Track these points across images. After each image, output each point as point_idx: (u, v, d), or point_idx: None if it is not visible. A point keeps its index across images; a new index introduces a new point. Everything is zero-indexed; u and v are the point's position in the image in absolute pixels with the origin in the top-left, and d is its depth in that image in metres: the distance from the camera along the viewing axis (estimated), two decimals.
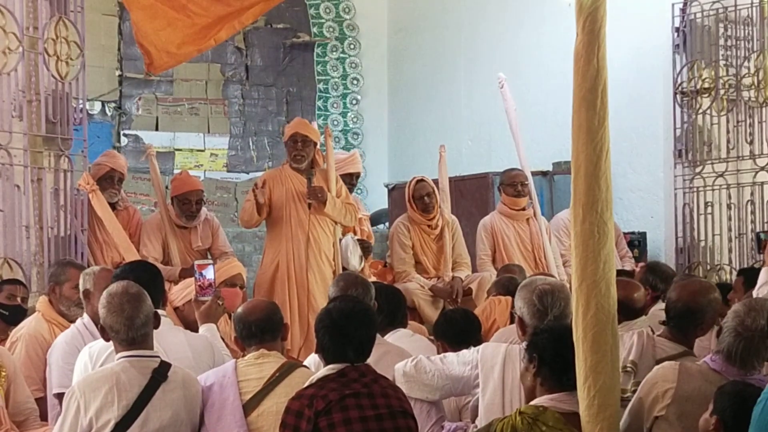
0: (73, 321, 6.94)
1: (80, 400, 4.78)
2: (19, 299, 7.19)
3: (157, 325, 5.10)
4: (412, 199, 9.80)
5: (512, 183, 10.01)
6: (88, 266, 8.10)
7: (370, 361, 4.82)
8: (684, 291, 5.54)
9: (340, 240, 9.16)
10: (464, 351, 5.22)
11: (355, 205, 9.43)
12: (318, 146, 9.21)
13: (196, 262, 6.47)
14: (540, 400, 4.32)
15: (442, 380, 5.17)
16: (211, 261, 6.86)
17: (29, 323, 6.91)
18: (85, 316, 6.30)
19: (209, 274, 6.32)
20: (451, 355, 5.24)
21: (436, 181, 9.91)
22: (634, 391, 4.90)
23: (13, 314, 7.13)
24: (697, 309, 5.43)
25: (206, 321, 6.21)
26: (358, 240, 9.36)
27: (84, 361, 5.47)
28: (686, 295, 5.48)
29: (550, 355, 4.36)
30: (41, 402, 6.47)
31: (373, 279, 9.02)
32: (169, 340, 5.53)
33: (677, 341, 5.41)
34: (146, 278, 5.57)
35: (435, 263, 9.79)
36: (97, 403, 4.75)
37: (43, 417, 6.30)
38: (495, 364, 4.99)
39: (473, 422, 5.10)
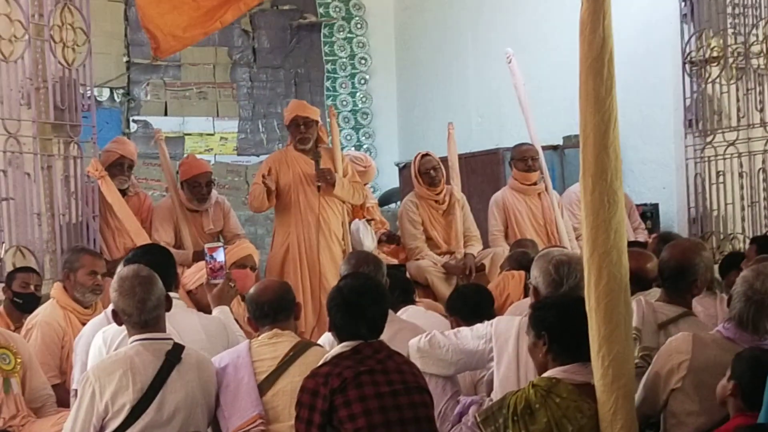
0: (87, 307, 7.00)
1: (95, 385, 4.79)
2: (32, 287, 7.23)
3: (168, 308, 5.11)
4: (418, 173, 9.81)
5: (522, 158, 10.00)
6: (101, 252, 8.14)
7: (384, 338, 4.81)
8: (675, 249, 5.52)
9: (350, 224, 9.20)
10: (478, 325, 5.20)
11: (361, 183, 9.43)
12: (320, 123, 9.21)
13: (207, 246, 6.45)
14: (553, 372, 4.32)
15: (456, 355, 5.16)
16: (221, 243, 6.85)
17: (44, 310, 6.94)
18: None
19: (220, 256, 6.31)
20: (464, 330, 5.23)
21: (445, 159, 9.90)
22: (642, 357, 4.90)
23: (27, 302, 7.17)
24: (689, 266, 5.39)
25: (219, 303, 6.20)
26: (378, 230, 9.43)
27: (98, 346, 5.46)
28: (678, 254, 5.46)
29: (558, 331, 4.36)
30: (58, 388, 6.50)
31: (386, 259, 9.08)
32: (183, 322, 5.53)
33: (674, 303, 5.36)
34: (158, 261, 5.55)
35: (445, 237, 9.80)
36: (111, 387, 4.76)
37: (60, 403, 6.31)
38: (509, 337, 4.97)
39: (488, 396, 5.10)
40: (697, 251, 5.52)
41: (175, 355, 4.91)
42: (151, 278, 5.01)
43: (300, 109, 9.16)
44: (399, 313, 6.15)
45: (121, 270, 5.13)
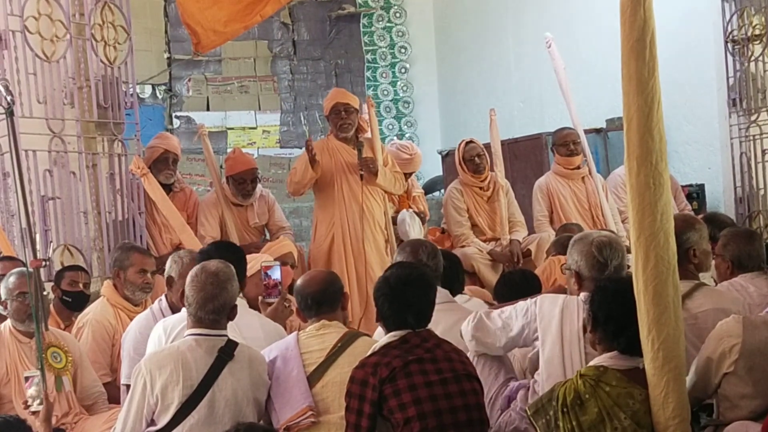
0: (137, 305, 7.01)
1: (146, 377, 4.82)
2: (81, 285, 7.27)
3: (232, 317, 5.06)
4: (463, 161, 9.77)
5: (564, 142, 9.92)
6: (148, 249, 8.16)
7: (443, 327, 4.82)
8: None
9: (396, 214, 9.19)
10: (521, 303, 5.15)
11: (401, 172, 9.36)
12: (360, 113, 9.19)
13: (262, 263, 6.48)
14: (600, 360, 4.30)
15: (503, 336, 5.12)
16: (276, 262, 6.77)
17: (95, 308, 6.98)
18: (163, 299, 6.28)
19: (275, 274, 6.33)
20: (508, 309, 5.18)
21: (488, 145, 9.86)
22: None
23: (76, 300, 7.22)
24: (678, 235, 5.26)
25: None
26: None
27: (158, 335, 5.52)
28: None
29: (603, 317, 4.34)
30: (109, 386, 6.54)
31: None
32: (243, 320, 5.49)
33: (682, 276, 5.26)
34: (231, 260, 5.40)
35: (490, 224, 9.75)
36: (162, 380, 4.79)
37: (111, 401, 6.36)
38: (553, 317, 4.94)
39: (532, 375, 5.07)
40: (688, 221, 5.56)
41: (227, 351, 4.91)
42: (226, 283, 5.00)
43: (339, 96, 9.13)
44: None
45: (208, 261, 5.13)
